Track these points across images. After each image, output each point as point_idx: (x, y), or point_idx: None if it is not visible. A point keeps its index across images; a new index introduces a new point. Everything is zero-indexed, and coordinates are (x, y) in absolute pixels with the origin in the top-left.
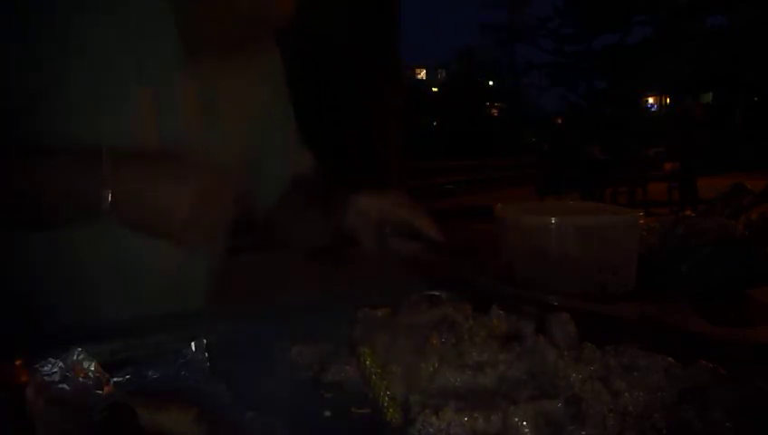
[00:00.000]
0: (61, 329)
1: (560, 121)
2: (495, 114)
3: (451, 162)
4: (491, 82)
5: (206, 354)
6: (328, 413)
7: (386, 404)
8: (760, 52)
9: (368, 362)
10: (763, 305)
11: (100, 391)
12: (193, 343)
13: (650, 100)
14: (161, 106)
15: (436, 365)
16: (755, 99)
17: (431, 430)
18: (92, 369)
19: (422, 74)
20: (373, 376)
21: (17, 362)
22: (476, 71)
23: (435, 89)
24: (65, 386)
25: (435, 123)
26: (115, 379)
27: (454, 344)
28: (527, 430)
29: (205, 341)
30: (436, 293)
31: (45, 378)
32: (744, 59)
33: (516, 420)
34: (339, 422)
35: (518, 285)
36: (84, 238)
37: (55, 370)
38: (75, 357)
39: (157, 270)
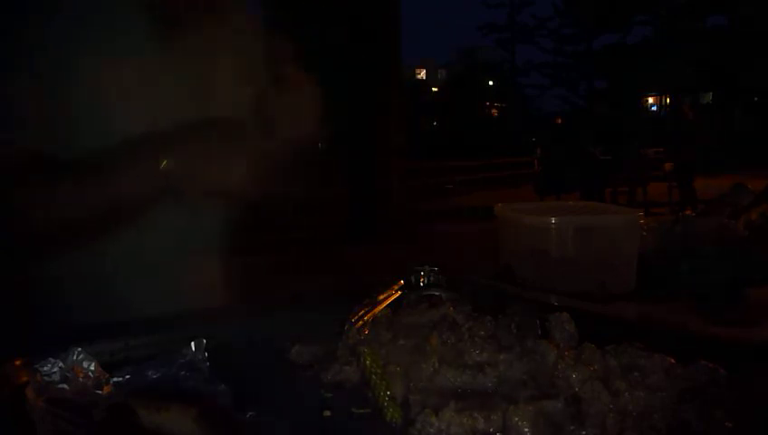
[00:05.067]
0: (61, 329)
1: (560, 121)
2: (495, 114)
3: (451, 162)
4: (491, 82)
5: (206, 354)
6: (328, 413)
7: (386, 404)
8: (760, 52)
9: (368, 362)
10: (763, 305)
11: (100, 391)
12: (193, 343)
13: (650, 100)
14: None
15: (436, 365)
16: (755, 99)
17: (431, 430)
18: (92, 369)
19: (422, 74)
20: (373, 376)
21: (17, 362)
22: (476, 71)
23: (435, 89)
24: (65, 386)
25: (435, 123)
26: (115, 379)
27: (454, 344)
28: (527, 430)
29: (204, 341)
30: (436, 293)
31: (45, 378)
32: (743, 59)
33: (516, 420)
34: (339, 422)
35: (518, 285)
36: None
37: (55, 370)
38: (75, 357)
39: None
